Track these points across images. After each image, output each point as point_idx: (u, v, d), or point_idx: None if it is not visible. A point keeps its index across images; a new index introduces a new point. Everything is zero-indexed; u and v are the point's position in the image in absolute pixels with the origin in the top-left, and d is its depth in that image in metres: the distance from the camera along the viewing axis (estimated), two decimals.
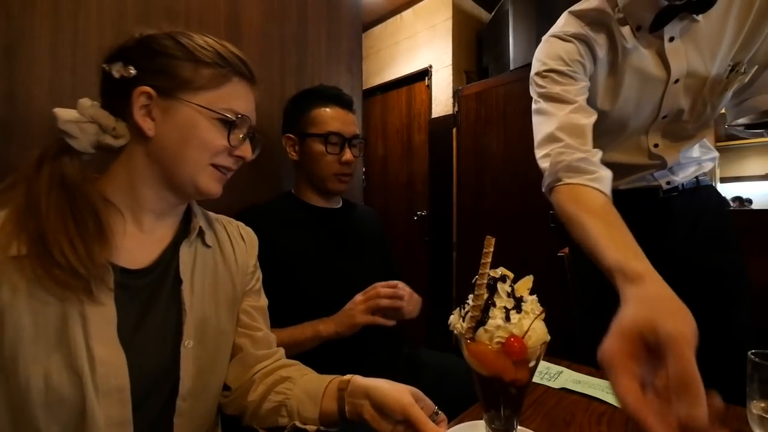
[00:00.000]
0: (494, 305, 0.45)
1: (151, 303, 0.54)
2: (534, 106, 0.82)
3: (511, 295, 0.46)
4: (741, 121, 0.94)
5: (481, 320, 0.44)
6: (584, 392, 0.71)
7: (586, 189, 0.69)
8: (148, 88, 0.52)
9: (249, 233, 0.72)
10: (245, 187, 1.07)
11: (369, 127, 3.29)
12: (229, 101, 0.56)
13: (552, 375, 0.78)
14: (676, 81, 0.82)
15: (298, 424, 0.56)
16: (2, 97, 0.70)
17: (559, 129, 0.75)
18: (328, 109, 0.99)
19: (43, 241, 0.46)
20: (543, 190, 0.78)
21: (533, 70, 0.85)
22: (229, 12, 1.03)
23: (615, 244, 0.57)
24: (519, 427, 0.52)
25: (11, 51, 0.71)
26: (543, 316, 0.45)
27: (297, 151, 1.02)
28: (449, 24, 2.75)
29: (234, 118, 0.56)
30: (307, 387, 0.58)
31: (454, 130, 2.71)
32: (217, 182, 0.59)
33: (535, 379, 0.75)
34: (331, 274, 0.96)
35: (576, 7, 0.85)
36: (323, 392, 0.56)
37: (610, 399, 0.67)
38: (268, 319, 0.71)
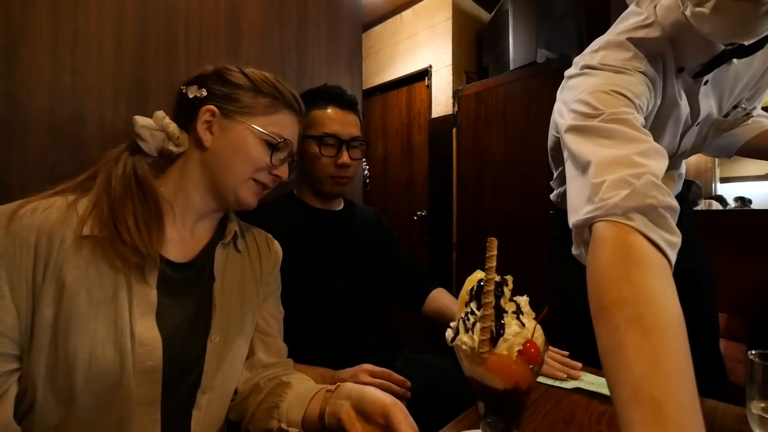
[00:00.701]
0: (505, 312, 0.43)
1: (186, 295, 0.60)
2: (584, 122, 0.65)
3: (512, 298, 0.45)
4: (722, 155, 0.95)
5: (497, 330, 0.42)
6: (600, 392, 0.71)
7: (658, 258, 0.48)
8: (212, 107, 0.62)
9: (275, 245, 0.79)
10: None
11: (369, 128, 3.29)
12: (276, 127, 0.65)
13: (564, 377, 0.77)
14: (698, 123, 0.81)
15: (283, 426, 0.58)
16: (2, 96, 0.70)
17: (643, 155, 0.55)
18: (328, 110, 0.98)
19: (113, 221, 0.53)
20: (577, 218, 0.57)
21: (587, 85, 0.70)
22: (229, 12, 1.03)
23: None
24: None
25: (11, 51, 0.70)
26: (545, 313, 0.44)
27: (298, 153, 1.02)
28: (449, 24, 2.75)
29: (278, 141, 0.65)
30: (300, 391, 0.62)
31: (454, 130, 2.71)
32: (254, 195, 0.67)
33: (547, 381, 0.76)
34: (330, 279, 0.95)
35: (634, 33, 0.73)
36: (312, 396, 0.59)
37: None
38: (283, 330, 0.76)
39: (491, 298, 0.42)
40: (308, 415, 0.58)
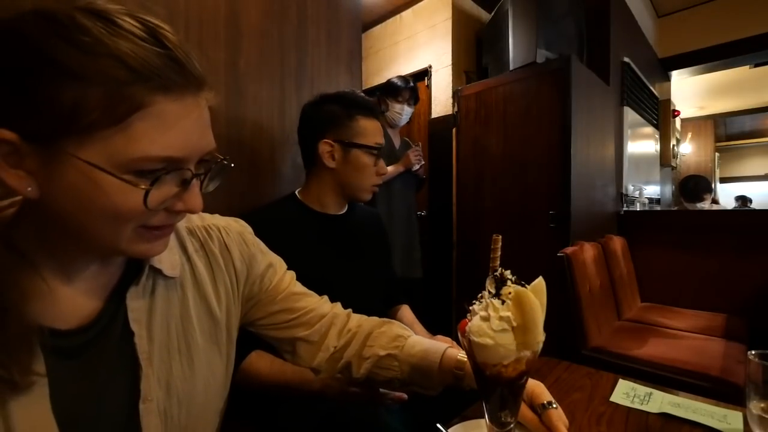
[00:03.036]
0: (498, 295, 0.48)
1: (94, 363, 0.43)
2: None
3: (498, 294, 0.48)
4: None
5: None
6: (690, 418, 0.63)
7: None
8: (8, 134, 0.33)
9: (237, 235, 0.60)
10: (245, 188, 1.07)
11: None
12: (146, 143, 0.35)
13: (642, 397, 0.70)
14: None
15: (417, 389, 0.61)
16: None
17: None
18: (373, 120, 0.99)
19: None
20: None
21: None
22: (229, 12, 1.03)
23: None
24: (519, 423, 0.53)
25: None
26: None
27: (336, 158, 0.98)
28: (449, 24, 2.75)
29: (152, 178, 0.37)
30: (416, 364, 0.61)
31: (454, 130, 2.71)
32: (155, 243, 0.43)
33: (625, 402, 0.69)
34: (331, 285, 0.90)
35: None
36: (438, 369, 0.60)
37: (722, 427, 0.60)
38: (302, 286, 0.68)
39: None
40: (444, 382, 0.60)
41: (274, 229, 0.88)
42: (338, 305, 0.72)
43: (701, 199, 2.79)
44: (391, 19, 3.20)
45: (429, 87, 2.89)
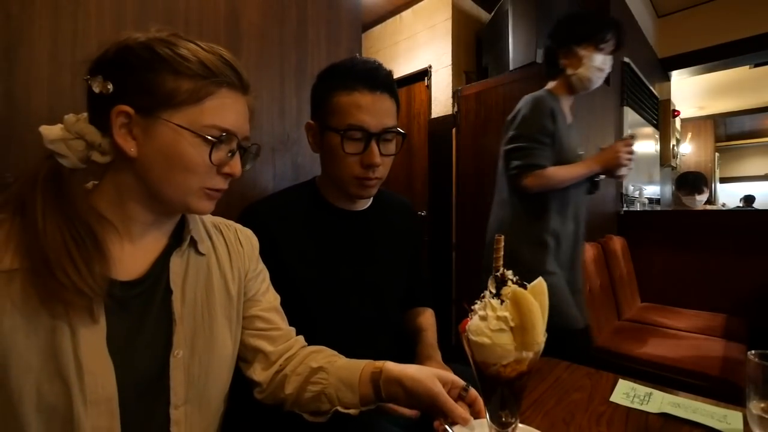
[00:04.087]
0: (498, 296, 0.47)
1: (142, 314, 0.54)
2: None
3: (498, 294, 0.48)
4: None
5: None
6: (690, 418, 0.63)
7: None
8: (126, 108, 0.49)
9: (247, 236, 0.71)
10: (245, 188, 1.07)
11: None
12: (212, 116, 0.52)
13: (642, 397, 0.70)
14: None
15: (340, 409, 0.60)
16: (1, 96, 0.70)
17: None
18: (355, 94, 0.77)
19: (43, 260, 0.45)
20: None
21: None
22: (229, 12, 1.03)
23: None
24: (520, 425, 0.53)
25: (11, 51, 0.70)
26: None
27: (317, 143, 0.85)
28: (449, 24, 2.75)
29: (216, 138, 0.52)
30: (342, 375, 0.62)
31: (454, 130, 2.71)
32: (208, 201, 0.56)
33: (624, 402, 0.69)
34: (343, 292, 0.84)
35: None
36: (359, 380, 0.60)
37: (721, 427, 0.61)
38: (284, 314, 0.72)
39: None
40: (363, 397, 0.60)
41: (283, 223, 0.81)
42: (301, 338, 0.71)
43: (702, 191, 2.78)
44: (391, 19, 3.20)
45: (429, 87, 2.89)
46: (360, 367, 0.62)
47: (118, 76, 0.50)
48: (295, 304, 0.77)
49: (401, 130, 0.82)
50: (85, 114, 0.53)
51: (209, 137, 0.52)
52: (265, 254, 0.73)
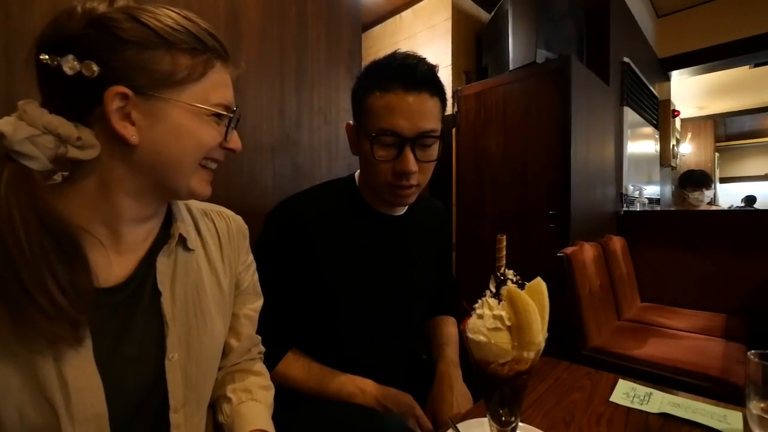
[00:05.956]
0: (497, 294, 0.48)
1: (129, 319, 0.50)
2: None
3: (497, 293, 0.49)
4: None
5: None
6: (689, 418, 0.63)
7: None
8: (123, 89, 0.43)
9: (238, 224, 0.67)
10: (245, 188, 1.07)
11: None
12: (216, 93, 0.50)
13: (642, 397, 0.70)
14: None
15: None
16: (2, 96, 0.70)
17: None
18: (389, 95, 0.71)
19: (20, 287, 0.39)
20: None
21: None
22: (229, 12, 1.03)
23: None
24: (521, 424, 0.53)
25: (11, 51, 0.70)
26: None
27: (354, 146, 0.81)
28: (449, 24, 2.75)
29: (230, 114, 0.51)
30: (230, 425, 0.60)
31: (454, 130, 2.71)
32: (207, 182, 0.54)
33: (624, 402, 0.69)
34: (375, 302, 0.83)
35: None
36: None
37: (721, 427, 0.61)
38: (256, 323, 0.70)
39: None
40: None
41: (319, 220, 0.78)
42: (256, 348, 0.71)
43: (709, 187, 2.78)
44: (391, 19, 3.20)
45: None
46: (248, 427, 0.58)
47: (101, 53, 0.43)
48: (324, 301, 0.77)
49: (437, 134, 0.77)
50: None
51: (222, 113, 0.51)
52: (301, 250, 0.72)
